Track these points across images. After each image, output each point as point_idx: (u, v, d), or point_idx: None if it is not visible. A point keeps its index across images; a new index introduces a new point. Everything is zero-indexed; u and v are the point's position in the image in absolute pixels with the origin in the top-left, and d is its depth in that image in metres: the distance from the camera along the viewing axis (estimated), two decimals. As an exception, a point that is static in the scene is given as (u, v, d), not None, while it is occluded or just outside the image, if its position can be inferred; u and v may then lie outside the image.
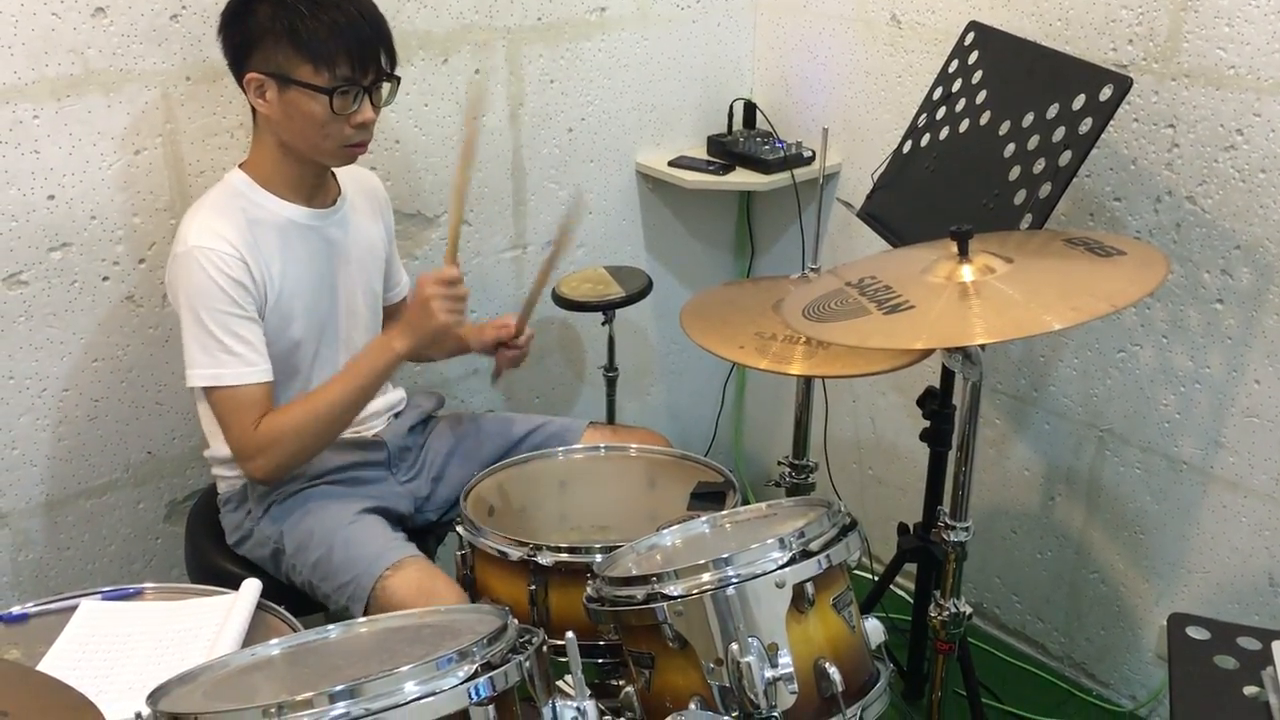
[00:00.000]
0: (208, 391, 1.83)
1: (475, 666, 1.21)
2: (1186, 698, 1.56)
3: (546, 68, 2.50)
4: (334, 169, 1.97)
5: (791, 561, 1.41)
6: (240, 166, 1.90)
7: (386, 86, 1.86)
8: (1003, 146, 1.93)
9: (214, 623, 1.54)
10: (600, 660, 1.65)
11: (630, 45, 2.63)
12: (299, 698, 1.14)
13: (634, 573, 1.49)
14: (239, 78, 1.82)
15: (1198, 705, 1.54)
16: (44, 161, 1.93)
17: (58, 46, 1.90)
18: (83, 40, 1.92)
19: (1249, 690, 1.54)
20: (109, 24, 1.94)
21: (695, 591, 1.39)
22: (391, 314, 2.16)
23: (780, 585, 1.39)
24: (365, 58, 1.78)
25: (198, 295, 1.78)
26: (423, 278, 1.87)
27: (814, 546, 1.44)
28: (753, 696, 1.36)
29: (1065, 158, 1.80)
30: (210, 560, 1.99)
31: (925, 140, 2.15)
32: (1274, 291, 2.03)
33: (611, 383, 2.52)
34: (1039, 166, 1.84)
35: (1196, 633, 1.66)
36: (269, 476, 1.85)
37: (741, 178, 2.69)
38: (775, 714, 1.37)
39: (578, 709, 1.28)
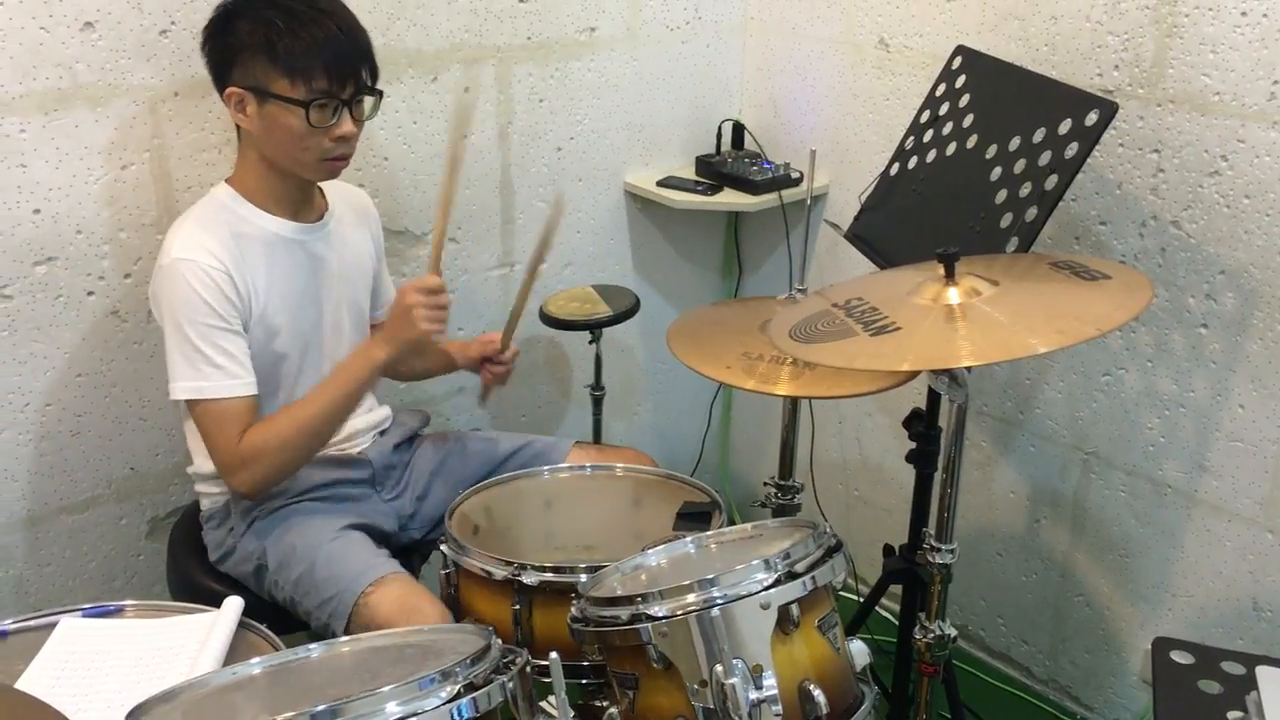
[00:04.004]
0: (190, 405, 1.82)
1: (458, 687, 1.20)
2: (1171, 722, 1.56)
3: (536, 86, 2.51)
4: (321, 184, 1.97)
5: (777, 583, 1.41)
6: (226, 181, 1.90)
7: (368, 101, 1.86)
8: (989, 170, 1.94)
9: (195, 641, 1.52)
10: (584, 681, 1.64)
11: (620, 65, 2.63)
12: (279, 718, 1.13)
13: (619, 593, 1.48)
14: (221, 92, 1.82)
15: (1182, 730, 1.54)
16: (30, 175, 1.93)
17: (46, 60, 1.90)
18: (71, 54, 1.92)
19: (1233, 715, 1.54)
20: (98, 38, 1.94)
21: (680, 612, 1.39)
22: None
23: (765, 607, 1.39)
24: (343, 72, 1.78)
25: (181, 307, 1.78)
26: (404, 286, 1.88)
27: (799, 568, 1.43)
28: (737, 718, 1.35)
29: (1051, 182, 1.81)
30: (192, 577, 1.97)
31: (912, 163, 2.15)
32: (1258, 317, 2.04)
33: (598, 402, 2.52)
34: (1025, 190, 1.85)
35: (1181, 657, 1.66)
36: (254, 489, 1.84)
37: (729, 198, 2.69)
38: (759, 736, 1.36)
39: (561, 730, 1.27)
